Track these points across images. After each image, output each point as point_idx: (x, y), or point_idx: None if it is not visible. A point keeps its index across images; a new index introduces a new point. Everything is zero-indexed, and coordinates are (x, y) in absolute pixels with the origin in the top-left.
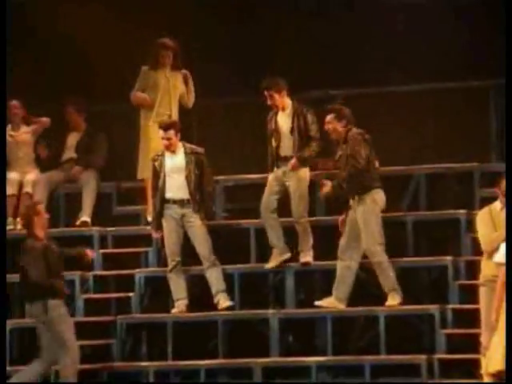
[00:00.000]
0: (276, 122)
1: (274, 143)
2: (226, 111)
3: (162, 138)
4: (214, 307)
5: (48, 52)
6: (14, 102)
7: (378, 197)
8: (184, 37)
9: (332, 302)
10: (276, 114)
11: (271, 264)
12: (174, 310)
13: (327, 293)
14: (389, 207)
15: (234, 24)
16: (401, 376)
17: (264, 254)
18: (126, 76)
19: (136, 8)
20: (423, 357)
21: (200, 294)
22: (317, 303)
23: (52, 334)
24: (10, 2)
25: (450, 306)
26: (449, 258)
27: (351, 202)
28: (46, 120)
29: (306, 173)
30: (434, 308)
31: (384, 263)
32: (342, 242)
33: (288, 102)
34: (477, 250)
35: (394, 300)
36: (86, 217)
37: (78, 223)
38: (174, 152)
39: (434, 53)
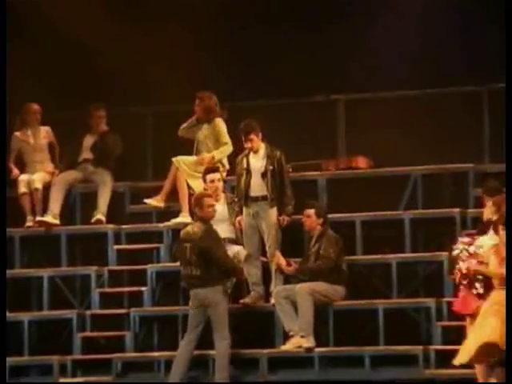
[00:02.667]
0: (248, 163)
1: (243, 184)
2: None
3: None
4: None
5: (61, 56)
6: (35, 106)
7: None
8: (189, 43)
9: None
10: (247, 155)
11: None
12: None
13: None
14: (387, 206)
15: (238, 31)
16: (399, 366)
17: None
18: (142, 79)
19: (141, 11)
20: (420, 348)
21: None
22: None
23: (214, 317)
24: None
25: (446, 300)
26: (444, 253)
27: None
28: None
29: (275, 212)
30: (430, 301)
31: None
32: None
33: (262, 144)
34: None
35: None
36: (100, 215)
37: (93, 221)
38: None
39: (430, 59)
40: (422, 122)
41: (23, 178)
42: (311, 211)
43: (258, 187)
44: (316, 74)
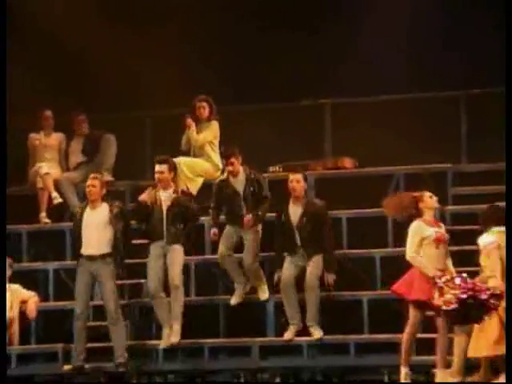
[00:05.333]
0: (228, 186)
1: (236, 206)
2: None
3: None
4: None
5: (55, 60)
6: (48, 113)
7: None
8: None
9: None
10: (227, 179)
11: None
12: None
13: None
14: (372, 203)
15: (228, 36)
16: (382, 353)
17: (263, 245)
18: (141, 84)
19: (141, 17)
20: (401, 336)
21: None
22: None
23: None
24: (12, 8)
25: None
26: None
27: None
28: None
29: (259, 227)
30: None
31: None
32: None
33: (241, 168)
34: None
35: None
36: (109, 176)
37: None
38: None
39: (412, 66)
40: (404, 124)
41: (35, 170)
42: (299, 176)
43: (238, 208)
44: (304, 79)
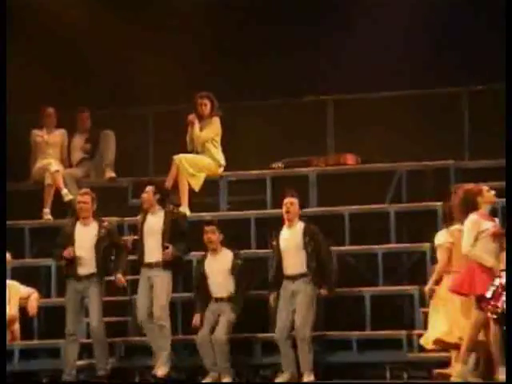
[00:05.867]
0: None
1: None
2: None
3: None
4: None
5: (55, 56)
6: (50, 110)
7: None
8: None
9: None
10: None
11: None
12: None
13: None
14: (374, 199)
15: (232, 33)
16: (384, 349)
17: (262, 241)
18: (143, 81)
19: (142, 13)
20: (404, 332)
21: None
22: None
23: None
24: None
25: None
26: (427, 244)
27: None
28: None
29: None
30: (413, 289)
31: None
32: None
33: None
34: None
35: None
36: (112, 173)
37: (106, 178)
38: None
39: (414, 62)
40: (407, 121)
41: (40, 167)
42: (295, 199)
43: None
44: (306, 76)
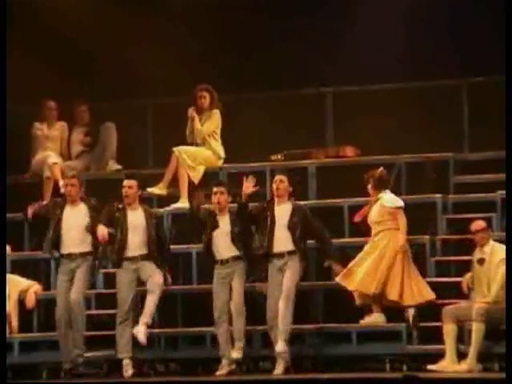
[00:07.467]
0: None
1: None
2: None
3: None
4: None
5: (54, 51)
6: (51, 103)
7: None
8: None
9: None
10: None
11: None
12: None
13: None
14: None
15: (230, 24)
16: (383, 341)
17: None
18: (143, 73)
19: (142, 6)
20: (403, 325)
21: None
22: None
23: None
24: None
25: (428, 280)
26: (426, 236)
27: None
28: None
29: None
30: None
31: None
32: None
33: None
34: (451, 229)
35: None
36: (116, 165)
37: (112, 171)
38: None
39: (413, 54)
40: (406, 113)
41: (39, 159)
42: (284, 177)
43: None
44: (306, 68)
